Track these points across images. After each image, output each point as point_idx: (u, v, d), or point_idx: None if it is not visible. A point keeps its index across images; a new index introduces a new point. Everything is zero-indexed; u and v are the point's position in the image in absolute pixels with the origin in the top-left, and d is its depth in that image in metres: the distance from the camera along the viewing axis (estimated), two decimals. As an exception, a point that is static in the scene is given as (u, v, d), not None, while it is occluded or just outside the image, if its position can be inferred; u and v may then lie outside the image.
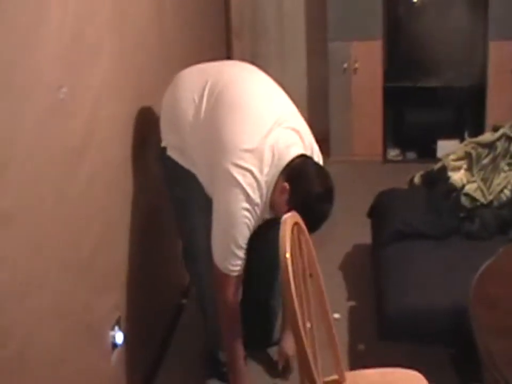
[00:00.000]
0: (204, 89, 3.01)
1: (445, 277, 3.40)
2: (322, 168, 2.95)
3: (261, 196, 2.82)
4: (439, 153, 5.82)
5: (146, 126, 3.31)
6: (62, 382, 2.42)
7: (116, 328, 2.94)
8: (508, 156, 3.94)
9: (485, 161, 3.96)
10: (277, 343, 3.50)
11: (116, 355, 2.95)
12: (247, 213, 2.81)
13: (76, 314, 2.54)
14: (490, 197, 3.82)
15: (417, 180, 4.32)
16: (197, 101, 3.01)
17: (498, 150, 3.97)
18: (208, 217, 2.91)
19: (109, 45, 2.87)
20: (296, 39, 6.25)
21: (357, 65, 5.86)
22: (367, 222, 4.34)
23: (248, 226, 2.83)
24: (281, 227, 2.16)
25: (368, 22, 5.77)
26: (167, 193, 3.26)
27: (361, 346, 3.61)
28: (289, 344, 3.35)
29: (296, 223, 2.28)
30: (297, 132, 2.93)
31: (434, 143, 5.97)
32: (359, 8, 5.74)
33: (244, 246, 2.87)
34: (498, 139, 4.01)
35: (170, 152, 3.12)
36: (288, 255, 2.07)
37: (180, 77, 3.21)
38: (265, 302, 3.55)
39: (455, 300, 3.16)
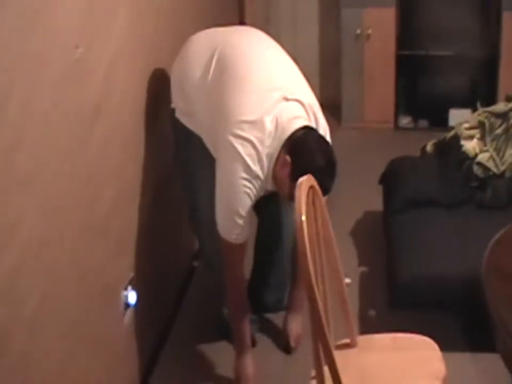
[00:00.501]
0: (212, 56, 3.02)
1: (457, 245, 3.43)
2: (325, 141, 2.90)
3: (261, 168, 2.80)
4: (451, 122, 5.79)
5: (159, 88, 3.32)
6: (77, 340, 2.46)
7: (129, 288, 2.97)
8: (521, 126, 3.94)
9: (498, 131, 3.95)
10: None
11: (128, 315, 2.99)
12: (247, 183, 2.80)
13: (91, 274, 2.58)
14: (503, 168, 3.81)
15: (429, 148, 4.31)
16: (204, 67, 3.02)
17: (512, 120, 3.96)
18: (212, 179, 2.92)
19: (125, 6, 2.88)
20: (309, 5, 6.19)
21: (369, 32, 5.80)
22: (378, 188, 4.33)
23: (249, 196, 2.82)
24: (297, 190, 2.16)
25: (381, -12, 5.71)
26: (174, 154, 3.30)
27: (371, 312, 3.63)
28: (293, 325, 3.41)
29: (311, 187, 2.28)
30: (303, 104, 2.90)
31: (446, 111, 5.93)
32: (373, -26, 5.68)
33: (245, 215, 2.86)
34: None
35: (178, 115, 3.15)
36: (304, 218, 2.08)
37: (190, 41, 3.23)
38: (274, 270, 3.57)
39: (467, 268, 3.21)
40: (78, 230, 2.43)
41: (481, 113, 4.12)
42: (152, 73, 3.27)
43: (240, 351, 3.17)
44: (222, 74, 2.95)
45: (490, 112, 4.06)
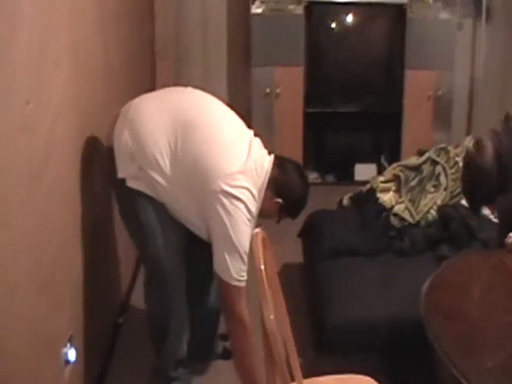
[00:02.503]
0: (175, 130, 3.05)
1: (380, 290, 3.58)
2: (297, 164, 3.36)
3: (256, 208, 3.08)
4: (357, 177, 6.04)
5: (92, 145, 3.36)
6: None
7: (68, 345, 2.97)
8: (433, 178, 4.18)
9: (412, 183, 4.19)
10: (219, 356, 3.61)
11: (68, 371, 2.98)
12: (249, 223, 3.03)
13: (36, 329, 2.57)
14: (418, 217, 4.03)
15: (345, 201, 4.49)
16: (166, 137, 3.04)
17: (424, 173, 4.20)
18: (174, 237, 3.12)
19: (66, 66, 2.95)
20: (219, 63, 6.35)
21: (278, 90, 5.98)
22: (295, 241, 4.45)
23: (250, 235, 2.97)
24: (254, 240, 2.27)
25: (290, 48, 5.89)
26: (128, 222, 3.29)
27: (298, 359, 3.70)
28: None
29: (263, 239, 2.38)
30: (256, 141, 3.20)
31: (352, 166, 6.17)
32: (282, 34, 5.86)
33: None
34: (424, 162, 4.25)
35: (131, 184, 3.10)
36: (263, 267, 2.17)
37: (138, 111, 3.16)
38: (208, 313, 3.60)
39: (391, 311, 3.39)
40: (26, 284, 2.44)
41: (396, 167, 4.34)
42: (87, 130, 3.31)
43: None
44: (191, 146, 3.04)
45: (404, 166, 4.28)
